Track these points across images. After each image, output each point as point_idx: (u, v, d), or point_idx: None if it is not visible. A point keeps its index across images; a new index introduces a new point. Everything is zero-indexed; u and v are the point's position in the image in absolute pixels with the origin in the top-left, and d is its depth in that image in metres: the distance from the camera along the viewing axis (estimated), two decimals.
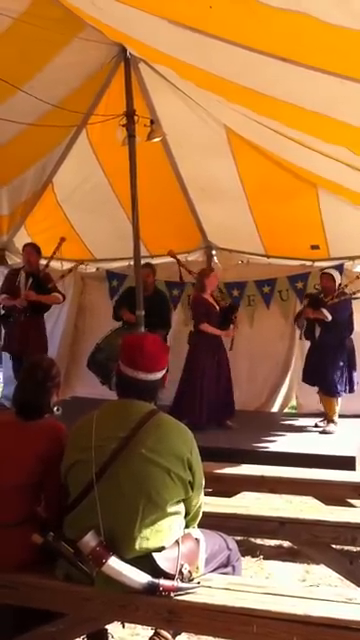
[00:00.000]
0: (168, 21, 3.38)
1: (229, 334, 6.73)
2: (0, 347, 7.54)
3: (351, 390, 6.58)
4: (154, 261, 7.75)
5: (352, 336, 6.65)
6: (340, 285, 6.67)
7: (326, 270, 6.85)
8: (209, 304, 6.73)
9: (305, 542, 3.54)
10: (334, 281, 6.64)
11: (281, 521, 3.47)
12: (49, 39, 4.90)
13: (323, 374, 6.53)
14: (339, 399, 6.61)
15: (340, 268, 7.15)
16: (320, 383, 6.66)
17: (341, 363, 6.53)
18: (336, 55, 2.98)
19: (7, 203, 7.28)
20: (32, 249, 7.13)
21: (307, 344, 6.97)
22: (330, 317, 6.43)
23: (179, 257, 8.15)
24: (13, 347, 7.08)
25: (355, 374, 6.61)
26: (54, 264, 7.72)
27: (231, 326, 6.77)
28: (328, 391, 6.58)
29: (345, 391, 6.56)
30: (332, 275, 6.68)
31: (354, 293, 6.64)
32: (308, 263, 7.53)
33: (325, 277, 6.73)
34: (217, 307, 6.76)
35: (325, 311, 6.44)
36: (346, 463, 5.10)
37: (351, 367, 6.60)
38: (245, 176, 6.68)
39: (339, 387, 6.50)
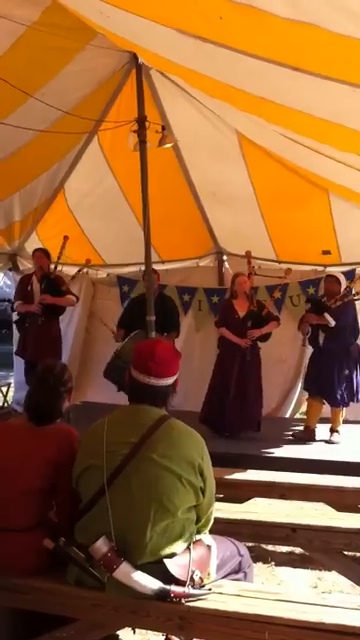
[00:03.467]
0: (178, 31, 3.40)
1: (239, 342, 6.48)
2: (14, 352, 7.58)
3: (356, 400, 6.35)
4: (165, 266, 7.77)
5: (358, 341, 6.41)
6: (346, 288, 6.42)
7: (332, 272, 6.69)
8: (229, 309, 6.68)
9: (317, 549, 3.52)
10: (339, 284, 6.41)
11: (293, 527, 3.46)
12: (61, 47, 4.93)
13: (329, 384, 6.27)
14: (344, 408, 6.45)
15: (351, 273, 7.12)
16: (325, 394, 6.39)
17: (347, 372, 6.28)
18: (347, 64, 2.98)
19: (19, 209, 7.34)
20: (42, 253, 7.17)
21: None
22: (333, 322, 6.16)
23: (189, 263, 8.19)
24: (28, 352, 7.08)
25: None
26: (65, 269, 7.72)
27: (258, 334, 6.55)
28: (334, 402, 6.35)
29: (353, 400, 6.34)
30: (338, 278, 6.47)
31: (356, 294, 6.39)
32: (320, 268, 7.51)
33: (330, 280, 6.50)
34: (239, 314, 6.60)
35: (328, 316, 6.17)
36: (358, 469, 5.06)
37: (357, 376, 6.34)
38: (257, 181, 6.68)
39: (345, 397, 6.29)
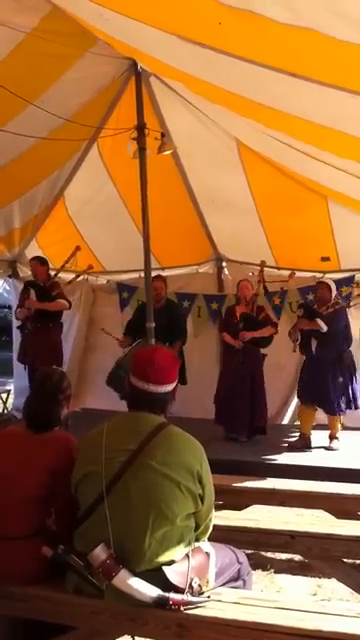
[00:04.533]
0: (178, 37, 3.41)
1: (233, 343, 6.61)
2: (16, 358, 7.59)
3: (356, 407, 6.36)
4: (165, 273, 7.78)
5: (351, 348, 6.41)
6: (336, 296, 6.44)
7: (323, 279, 6.69)
8: (230, 314, 6.83)
9: (316, 556, 3.52)
10: (330, 291, 6.41)
11: (292, 534, 3.46)
12: (61, 54, 4.95)
13: (323, 392, 6.24)
14: (342, 416, 6.46)
15: (350, 280, 7.12)
16: (320, 402, 6.37)
17: (341, 379, 6.26)
18: (345, 70, 2.99)
19: (19, 216, 7.36)
20: (37, 262, 7.17)
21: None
22: (325, 328, 6.14)
23: (189, 269, 8.20)
24: (28, 358, 7.11)
25: (358, 389, 6.36)
26: (64, 275, 7.67)
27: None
28: (330, 410, 6.34)
29: (350, 408, 6.34)
30: (329, 285, 6.46)
31: (348, 303, 6.41)
32: (319, 275, 7.51)
33: (322, 286, 6.48)
34: (237, 317, 6.69)
35: (320, 321, 6.16)
36: (358, 476, 5.05)
37: (353, 382, 6.32)
38: (255, 188, 6.70)
39: (342, 405, 6.26)
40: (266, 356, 6.79)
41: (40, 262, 7.16)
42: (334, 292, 6.46)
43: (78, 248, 7.14)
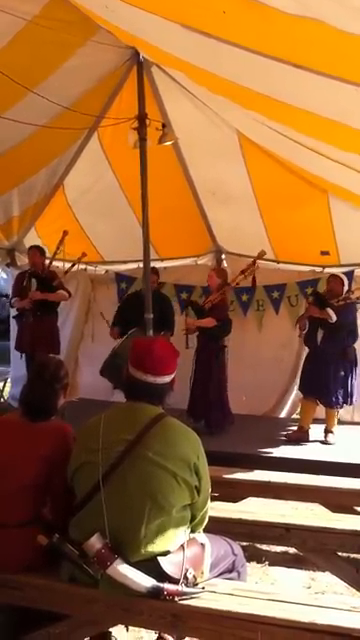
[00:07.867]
0: (181, 25, 3.38)
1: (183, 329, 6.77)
2: (14, 347, 7.60)
3: (351, 402, 6.42)
4: (164, 264, 7.77)
5: (355, 345, 6.44)
6: (348, 291, 6.46)
7: (336, 273, 6.72)
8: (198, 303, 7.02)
9: (311, 549, 3.52)
10: (342, 285, 6.45)
11: (287, 527, 3.46)
12: (62, 41, 4.91)
13: (324, 385, 6.30)
14: (339, 410, 6.50)
15: (350, 274, 7.11)
16: (320, 394, 6.41)
17: (342, 372, 6.32)
18: (351, 63, 2.97)
19: (18, 204, 7.32)
20: (36, 251, 7.19)
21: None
22: (335, 318, 6.16)
23: (188, 261, 8.18)
24: (24, 345, 7.12)
25: (355, 385, 6.41)
26: (59, 264, 7.63)
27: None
28: (328, 403, 6.37)
29: (347, 402, 6.39)
30: (342, 279, 6.50)
31: (359, 298, 6.43)
32: (318, 269, 7.50)
33: (334, 279, 6.53)
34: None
35: (330, 311, 6.19)
36: (354, 470, 5.06)
37: (353, 377, 6.39)
38: (256, 181, 6.67)
39: (340, 399, 6.31)
40: (226, 347, 6.81)
41: (40, 251, 7.19)
42: (346, 287, 6.48)
43: (65, 233, 7.10)
